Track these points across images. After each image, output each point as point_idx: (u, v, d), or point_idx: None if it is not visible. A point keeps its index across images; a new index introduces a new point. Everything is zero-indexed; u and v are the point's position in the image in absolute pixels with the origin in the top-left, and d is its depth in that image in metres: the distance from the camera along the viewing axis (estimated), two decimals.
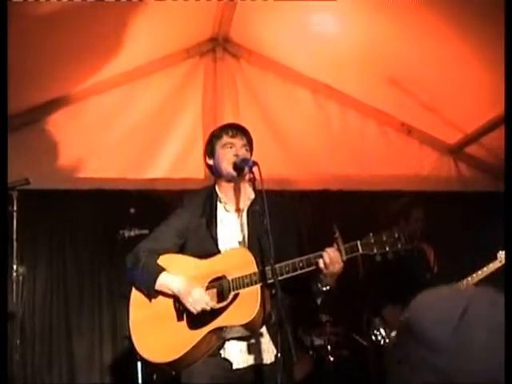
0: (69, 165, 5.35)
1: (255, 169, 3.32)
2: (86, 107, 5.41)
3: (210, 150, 3.67)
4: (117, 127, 5.43)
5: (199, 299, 3.31)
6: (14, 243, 4.43)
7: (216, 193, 3.63)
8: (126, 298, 3.53)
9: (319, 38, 5.16)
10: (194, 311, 3.31)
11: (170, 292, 3.41)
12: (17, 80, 4.66)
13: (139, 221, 4.82)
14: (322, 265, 3.19)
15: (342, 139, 5.79)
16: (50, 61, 4.72)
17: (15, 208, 4.42)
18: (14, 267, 4.45)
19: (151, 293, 3.45)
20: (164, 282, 3.41)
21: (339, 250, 3.21)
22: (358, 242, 3.23)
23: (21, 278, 4.50)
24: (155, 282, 3.41)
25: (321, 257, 3.21)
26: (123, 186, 5.39)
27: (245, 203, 3.60)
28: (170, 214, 3.65)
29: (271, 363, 3.31)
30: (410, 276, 4.72)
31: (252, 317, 3.22)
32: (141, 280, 3.48)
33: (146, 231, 4.73)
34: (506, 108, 3.15)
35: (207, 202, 3.63)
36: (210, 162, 3.67)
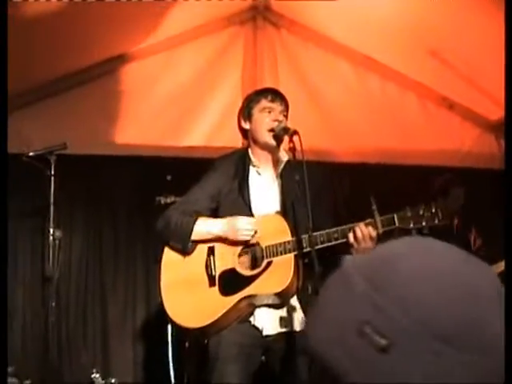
0: (107, 130, 5.36)
1: (295, 138, 3.26)
2: (126, 73, 5.39)
3: (246, 114, 3.60)
4: (155, 94, 5.41)
5: (247, 227, 3.27)
6: (51, 207, 4.45)
7: (249, 156, 3.58)
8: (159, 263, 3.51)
9: (360, 9, 5.05)
10: (246, 238, 3.25)
11: (211, 236, 3.36)
12: (54, 46, 4.67)
13: (176, 188, 4.78)
14: (351, 239, 3.14)
15: (381, 112, 5.70)
16: (91, 26, 4.67)
17: (53, 172, 4.44)
18: (51, 231, 4.47)
19: (187, 246, 3.39)
20: (202, 227, 3.36)
21: (375, 222, 3.15)
22: (395, 215, 3.17)
23: (57, 241, 4.52)
24: (191, 232, 3.36)
25: (353, 230, 3.15)
26: (161, 153, 5.37)
27: (278, 167, 3.54)
28: (201, 177, 3.60)
29: (301, 330, 3.27)
30: None
31: (285, 285, 3.20)
32: (175, 235, 3.43)
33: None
34: (506, 108, 3.09)
35: (239, 165, 3.57)
36: (246, 125, 3.60)
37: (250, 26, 5.51)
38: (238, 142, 5.07)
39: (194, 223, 3.35)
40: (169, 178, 4.90)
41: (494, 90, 5.50)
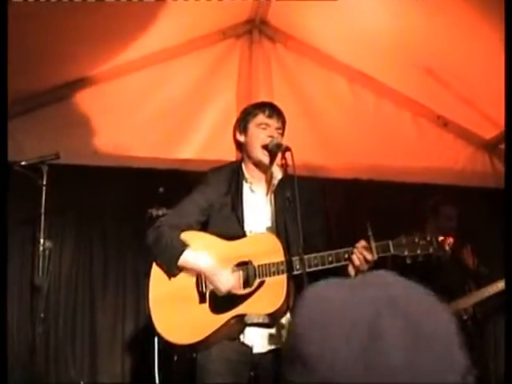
0: (100, 141, 5.34)
1: (288, 154, 3.24)
2: (120, 85, 5.39)
3: (242, 127, 3.57)
4: (150, 106, 5.42)
5: (227, 281, 3.24)
6: (42, 217, 4.42)
7: (242, 171, 3.55)
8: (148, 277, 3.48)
9: (357, 25, 5.07)
10: (221, 292, 3.24)
11: (194, 270, 3.33)
12: (47, 56, 4.64)
13: (168, 200, 4.75)
14: (351, 270, 3.14)
15: (376, 128, 5.71)
16: (82, 38, 4.66)
17: (45, 182, 4.41)
18: (41, 241, 4.44)
19: (172, 270, 3.36)
20: (189, 259, 3.32)
21: (371, 248, 3.14)
22: (390, 242, 3.16)
23: (47, 252, 4.49)
24: (178, 259, 3.33)
25: (351, 253, 3.14)
26: (153, 165, 5.36)
27: (272, 184, 3.52)
28: (193, 190, 3.58)
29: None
30: (446, 278, 4.63)
31: (277, 307, 3.17)
32: (163, 255, 3.40)
33: None
34: (506, 109, 3.09)
35: (232, 179, 3.55)
36: (241, 138, 3.57)
37: (245, 39, 5.52)
38: (231, 155, 5.07)
39: (182, 252, 3.32)
40: (161, 190, 4.86)
41: (488, 109, 5.52)
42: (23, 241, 5.27)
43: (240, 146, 3.60)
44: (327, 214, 5.19)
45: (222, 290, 3.25)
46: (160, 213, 4.76)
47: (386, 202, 5.45)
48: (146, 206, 4.81)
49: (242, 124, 3.55)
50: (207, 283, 3.33)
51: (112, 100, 5.36)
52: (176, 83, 5.41)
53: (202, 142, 5.45)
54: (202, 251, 3.34)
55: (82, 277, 5.40)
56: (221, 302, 3.29)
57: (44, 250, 4.46)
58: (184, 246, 3.32)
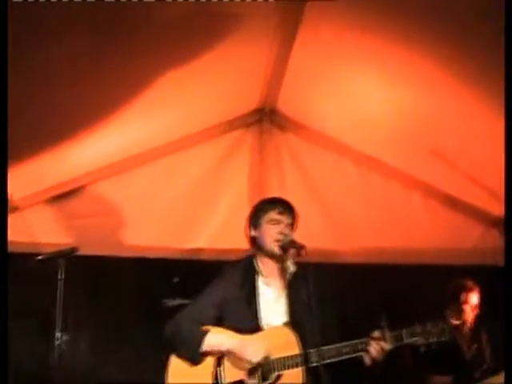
0: (114, 232, 5.41)
1: (302, 252, 3.33)
2: (132, 177, 5.51)
3: (254, 222, 3.69)
4: (162, 197, 5.52)
5: (257, 350, 3.28)
6: (58, 311, 4.44)
7: (256, 266, 3.63)
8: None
9: (364, 109, 5.19)
10: (254, 362, 3.26)
11: (220, 351, 3.37)
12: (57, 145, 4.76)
13: (183, 290, 4.82)
14: (367, 360, 3.18)
15: (385, 211, 5.76)
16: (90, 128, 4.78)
17: (61, 277, 4.45)
18: (57, 335, 4.45)
19: (196, 358, 3.41)
20: (212, 342, 3.39)
21: (385, 338, 3.19)
22: (404, 332, 3.21)
23: (63, 345, 4.50)
24: (201, 345, 3.37)
25: (367, 344, 3.19)
26: (167, 255, 5.43)
27: (285, 278, 3.59)
28: (209, 284, 3.65)
29: None
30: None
31: None
32: (183, 346, 3.45)
33: (188, 301, 4.74)
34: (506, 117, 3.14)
35: (246, 274, 3.64)
36: (254, 233, 3.68)
37: (255, 128, 5.63)
38: (243, 243, 5.14)
39: (205, 335, 3.37)
40: (176, 280, 4.92)
41: (496, 187, 5.58)
42: (37, 331, 5.29)
43: (252, 241, 3.69)
44: (341, 301, 5.21)
45: (254, 361, 3.28)
46: (175, 303, 4.82)
47: (399, 284, 5.46)
48: (160, 296, 4.85)
49: (254, 220, 3.68)
50: (224, 375, 3.36)
51: (131, 189, 5.49)
52: (187, 174, 5.53)
53: (215, 231, 5.53)
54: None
55: (97, 368, 5.38)
56: None
57: (60, 344, 4.47)
58: (204, 333, 3.37)
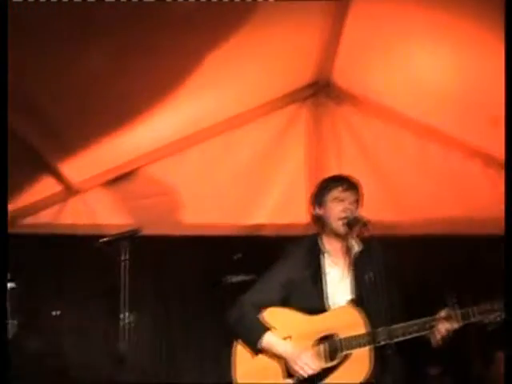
0: (174, 211, 5.47)
1: (366, 228, 3.31)
2: (189, 156, 5.54)
3: (318, 201, 3.67)
4: (220, 174, 5.56)
5: (308, 364, 3.31)
6: (123, 292, 4.52)
7: (320, 245, 3.62)
8: (229, 346, 3.56)
9: (422, 78, 5.10)
10: (303, 376, 3.30)
11: (274, 353, 3.41)
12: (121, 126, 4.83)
13: (244, 266, 4.86)
14: (436, 338, 3.16)
15: (446, 182, 5.67)
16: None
17: (124, 258, 4.51)
18: (123, 315, 4.53)
19: (255, 350, 3.46)
20: (269, 342, 3.44)
21: (455, 315, 3.16)
22: (472, 310, 3.18)
23: (130, 325, 4.58)
24: (259, 341, 3.42)
25: (435, 323, 3.17)
26: (228, 232, 5.49)
27: (350, 256, 3.58)
28: (273, 265, 3.66)
29: None
30: None
31: (362, 379, 3.21)
32: (245, 337, 3.51)
33: (250, 277, 4.78)
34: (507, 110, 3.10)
35: (311, 253, 3.63)
36: (318, 212, 3.66)
37: (311, 102, 5.60)
38: (302, 218, 5.15)
39: (263, 335, 3.41)
40: (236, 257, 4.95)
41: None
42: (105, 312, 5.39)
43: (317, 220, 3.68)
44: (404, 276, 5.18)
45: (304, 373, 3.31)
46: (237, 279, 4.85)
47: (461, 255, 5.40)
48: (222, 273, 4.89)
49: (317, 199, 3.65)
50: None
51: (187, 169, 5.54)
52: (244, 151, 5.56)
53: (274, 206, 5.54)
54: (283, 330, 3.42)
55: (161, 347, 5.48)
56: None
57: (126, 323, 4.55)
58: (265, 330, 3.42)
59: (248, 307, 3.55)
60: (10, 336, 3.35)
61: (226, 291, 4.93)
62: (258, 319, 3.49)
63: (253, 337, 3.45)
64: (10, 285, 3.50)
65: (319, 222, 3.68)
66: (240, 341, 3.54)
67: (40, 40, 3.67)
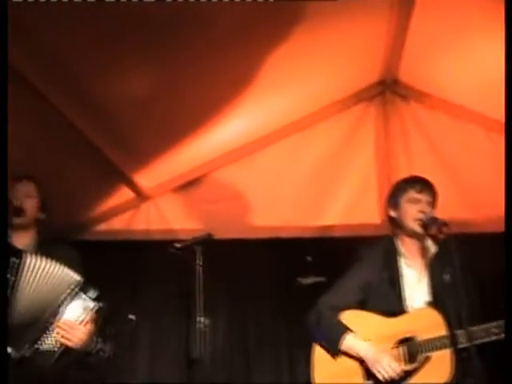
0: (245, 215, 5.52)
1: (445, 229, 3.29)
2: (257, 159, 5.60)
3: (393, 203, 3.68)
4: (289, 176, 5.58)
5: (389, 368, 3.31)
6: (198, 296, 4.57)
7: (396, 246, 3.62)
8: (304, 348, 3.58)
9: (489, 73, 5.00)
10: (383, 379, 3.31)
11: (356, 356, 3.42)
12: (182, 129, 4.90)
13: (316, 268, 4.86)
14: None
15: None
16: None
17: (199, 262, 4.56)
18: (199, 319, 4.58)
19: (335, 353, 3.47)
20: (350, 345, 3.45)
21: None
22: None
23: (206, 329, 4.63)
24: (339, 343, 3.44)
25: None
26: (299, 234, 5.48)
27: (426, 258, 3.57)
28: (349, 267, 3.66)
29: None
30: None
31: (445, 382, 3.19)
32: (324, 339, 3.53)
33: (323, 278, 4.79)
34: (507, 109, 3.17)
35: (387, 255, 3.63)
36: (393, 214, 3.67)
37: (378, 100, 5.58)
38: (376, 218, 5.14)
39: (342, 337, 3.42)
40: (309, 258, 4.95)
41: None
42: (178, 315, 5.48)
43: (392, 221, 3.68)
44: (481, 275, 5.12)
45: (384, 376, 3.31)
46: (309, 281, 4.87)
47: None
48: (295, 274, 4.90)
49: (392, 200, 3.66)
50: None
51: (256, 172, 5.59)
52: (312, 152, 5.56)
53: (344, 206, 5.52)
54: (362, 333, 3.43)
55: (236, 349, 5.50)
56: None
57: (202, 327, 4.60)
58: (345, 331, 3.43)
59: (327, 310, 3.57)
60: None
61: (298, 293, 4.95)
62: (337, 321, 3.51)
63: (333, 339, 3.47)
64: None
65: (395, 223, 3.68)
66: (319, 343, 3.56)
67: (117, 49, 3.77)
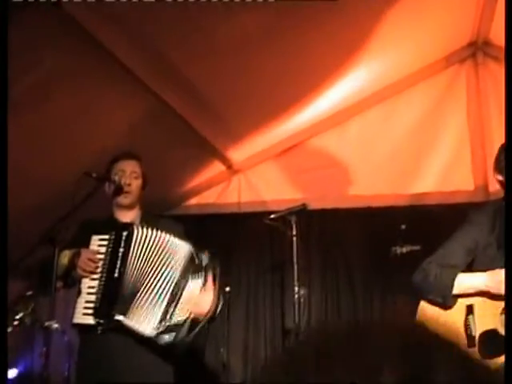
0: (338, 184, 5.53)
1: None
2: (350, 127, 5.61)
3: (499, 167, 3.57)
4: (382, 143, 5.57)
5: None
6: (295, 266, 4.62)
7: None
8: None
9: None
10: None
11: (472, 290, 3.34)
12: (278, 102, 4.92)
13: (410, 236, 4.81)
14: None
15: None
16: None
17: (294, 232, 4.60)
18: (296, 289, 4.63)
19: (448, 299, 3.40)
20: (464, 281, 3.36)
21: None
22: None
23: (302, 299, 4.68)
24: (452, 285, 3.36)
25: None
26: (392, 202, 5.49)
27: None
28: (456, 231, 3.60)
29: None
30: None
31: None
32: (434, 289, 3.45)
33: (417, 247, 4.74)
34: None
35: (497, 218, 3.53)
36: (501, 178, 3.57)
37: (470, 63, 5.51)
38: (469, 184, 5.06)
39: (455, 276, 3.36)
40: (403, 227, 4.90)
41: None
42: (272, 286, 5.55)
43: (502, 185, 3.59)
44: None
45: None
46: (404, 250, 4.83)
47: None
48: (389, 244, 4.87)
49: (500, 164, 3.55)
50: (476, 325, 3.34)
51: (348, 140, 5.61)
52: (405, 118, 5.54)
53: (439, 172, 5.46)
54: (468, 303, 3.36)
55: (333, 320, 5.53)
56: (491, 345, 3.30)
57: (299, 297, 4.65)
58: (455, 274, 3.36)
59: (433, 267, 3.52)
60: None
61: (394, 262, 4.92)
62: (445, 270, 3.44)
63: (444, 284, 3.39)
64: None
65: (503, 187, 3.60)
66: (430, 297, 3.49)
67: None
